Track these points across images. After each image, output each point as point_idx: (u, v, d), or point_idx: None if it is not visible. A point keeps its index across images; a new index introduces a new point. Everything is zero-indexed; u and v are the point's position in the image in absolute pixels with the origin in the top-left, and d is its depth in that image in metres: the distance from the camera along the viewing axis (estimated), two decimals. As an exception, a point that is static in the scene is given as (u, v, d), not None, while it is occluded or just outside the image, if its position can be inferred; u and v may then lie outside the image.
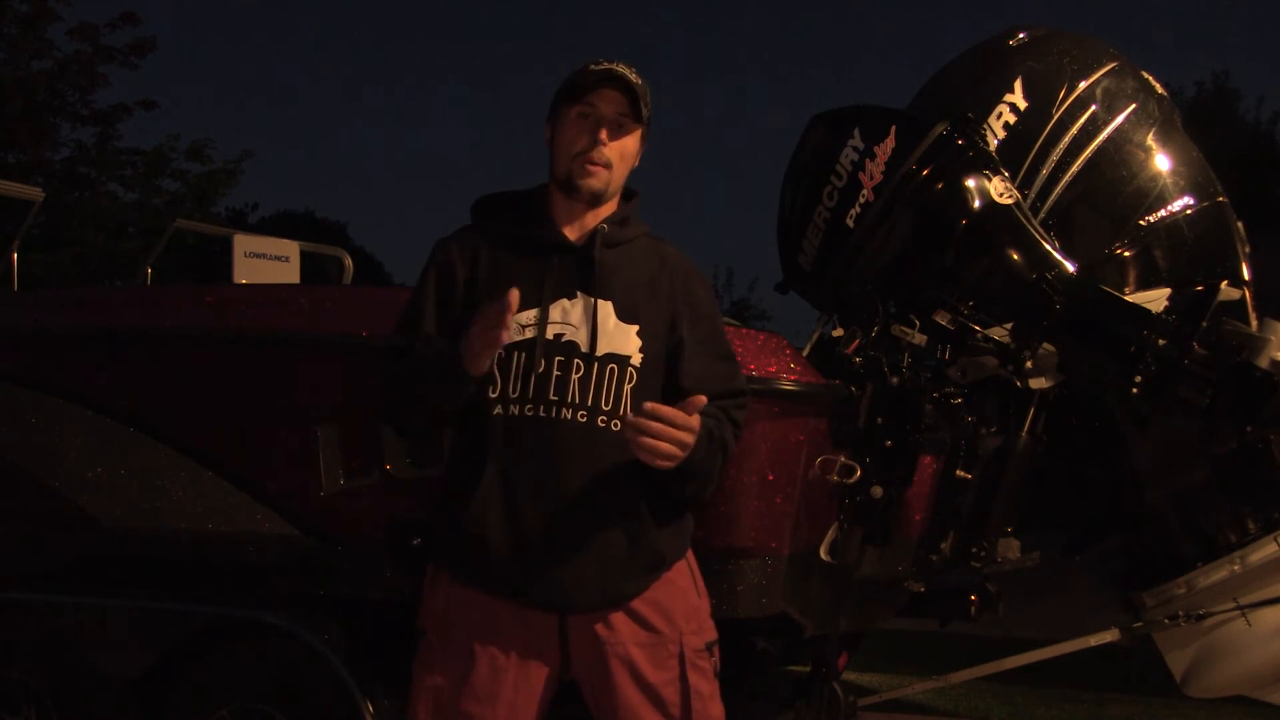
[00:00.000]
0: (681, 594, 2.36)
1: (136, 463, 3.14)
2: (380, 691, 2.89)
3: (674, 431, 2.12)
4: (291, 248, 5.72)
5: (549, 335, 2.26)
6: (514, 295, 2.08)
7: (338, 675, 2.90)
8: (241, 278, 5.33)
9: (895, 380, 2.96)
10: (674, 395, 2.27)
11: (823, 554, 2.96)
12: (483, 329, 2.11)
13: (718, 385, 2.37)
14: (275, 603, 3.03)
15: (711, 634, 2.40)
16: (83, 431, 3.18)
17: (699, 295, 2.43)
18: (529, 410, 2.24)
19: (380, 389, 2.42)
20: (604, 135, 2.29)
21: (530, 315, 2.26)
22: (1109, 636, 3.60)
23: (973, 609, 3.59)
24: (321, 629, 2.96)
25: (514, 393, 2.24)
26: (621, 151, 2.33)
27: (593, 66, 2.31)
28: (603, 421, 2.25)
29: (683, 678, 2.30)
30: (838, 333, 3.42)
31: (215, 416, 3.11)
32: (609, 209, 2.38)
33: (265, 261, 5.51)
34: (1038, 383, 3.28)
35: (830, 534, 2.96)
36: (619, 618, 2.29)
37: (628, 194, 2.44)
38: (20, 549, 3.37)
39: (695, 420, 2.15)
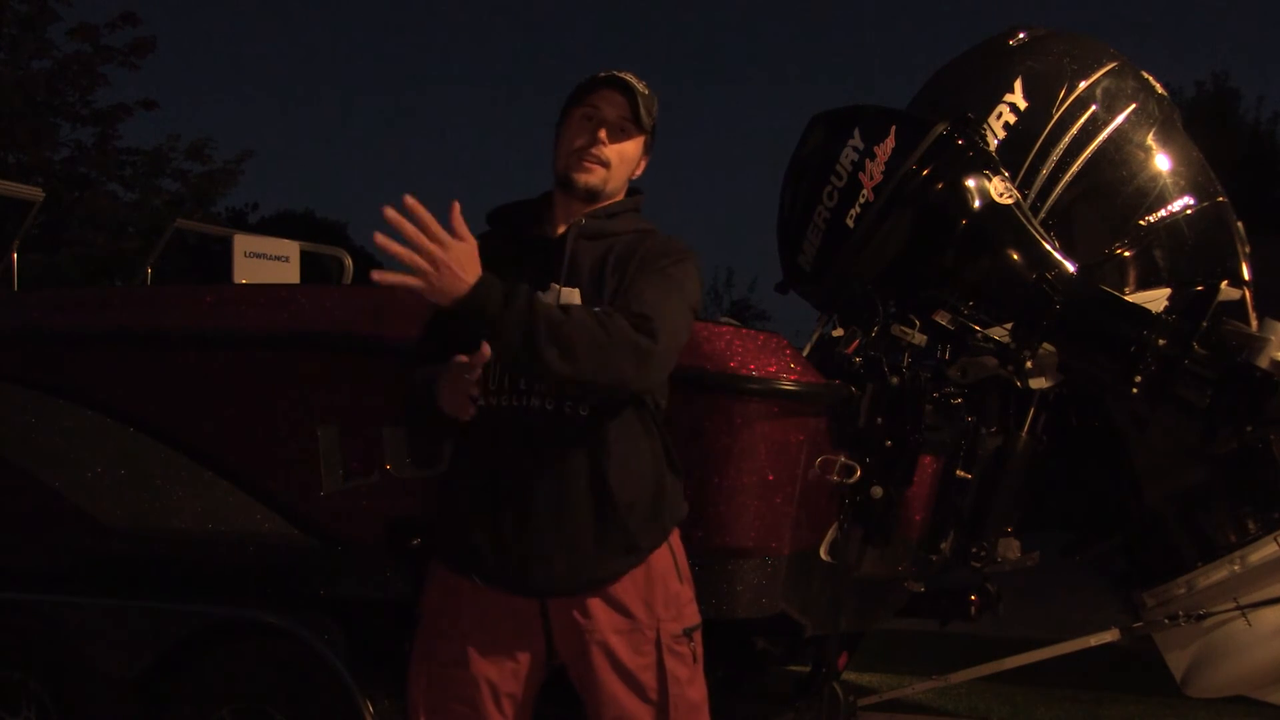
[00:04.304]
0: (661, 580, 2.38)
1: (136, 463, 3.14)
2: (380, 691, 2.89)
3: (421, 237, 1.97)
4: (291, 248, 5.72)
5: None
6: (485, 350, 2.05)
7: (338, 675, 2.91)
8: (241, 278, 5.33)
9: (895, 380, 2.96)
10: None
11: (823, 554, 2.96)
12: (452, 387, 2.13)
13: (630, 303, 2.22)
14: (275, 603, 3.03)
15: (692, 620, 2.43)
16: (83, 431, 3.19)
17: (663, 263, 2.31)
18: (503, 401, 2.30)
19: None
20: (603, 135, 2.34)
21: None
22: (1109, 636, 3.60)
23: (973, 609, 3.59)
24: (321, 629, 2.96)
25: (491, 384, 2.29)
26: (621, 154, 2.36)
27: (602, 73, 2.37)
28: (569, 408, 2.28)
29: (660, 663, 2.35)
30: (838, 333, 3.42)
31: (215, 416, 3.11)
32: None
33: (265, 261, 5.51)
34: (1038, 383, 3.28)
35: (830, 534, 2.97)
36: (597, 604, 2.33)
37: (630, 193, 2.47)
38: (20, 549, 3.37)
39: (450, 241, 2.00)
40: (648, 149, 2.43)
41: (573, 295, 2.31)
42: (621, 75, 2.35)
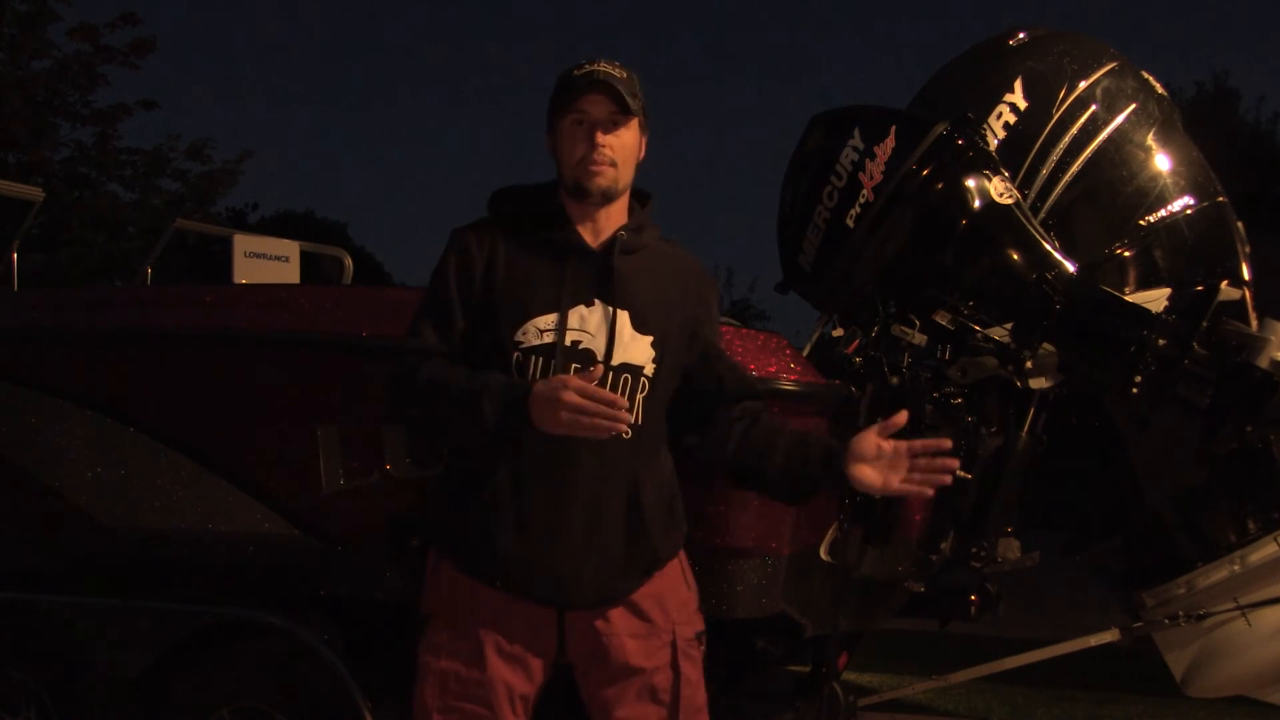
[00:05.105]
0: (674, 587, 2.42)
1: (136, 463, 3.14)
2: (380, 691, 2.89)
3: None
4: (291, 248, 5.72)
5: (567, 342, 2.29)
6: (598, 369, 2.22)
7: (338, 675, 2.90)
8: (241, 278, 5.34)
9: (895, 380, 2.96)
10: (707, 397, 2.42)
11: (823, 554, 2.96)
12: (588, 411, 2.12)
13: (751, 387, 2.51)
14: (275, 603, 3.03)
15: (700, 624, 2.47)
16: (83, 431, 3.18)
17: (713, 304, 2.52)
18: None
19: (395, 383, 2.36)
20: (600, 137, 2.32)
21: (549, 320, 2.30)
22: (1109, 636, 3.59)
23: (973, 609, 3.58)
24: (321, 629, 2.96)
25: None
26: (623, 146, 2.35)
27: (576, 72, 2.34)
28: None
29: (674, 665, 2.37)
30: (838, 333, 3.42)
31: (215, 416, 3.11)
32: (621, 207, 2.41)
33: (265, 261, 5.51)
34: (1038, 383, 3.28)
35: (830, 534, 2.97)
36: (615, 611, 2.35)
37: (642, 198, 2.47)
38: (20, 549, 3.37)
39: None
40: (644, 127, 2.41)
41: (624, 318, 2.32)
42: (599, 73, 2.31)
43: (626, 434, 2.21)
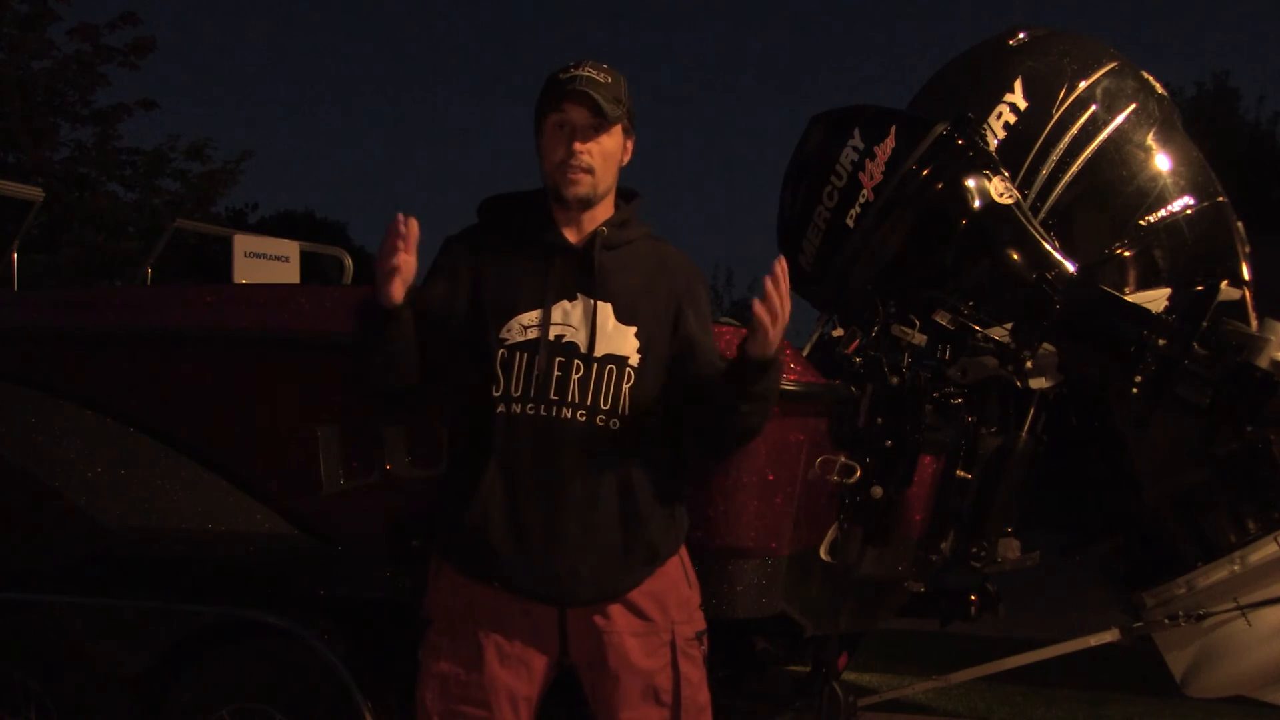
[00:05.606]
0: (674, 585, 2.42)
1: (136, 463, 3.14)
2: (380, 691, 2.89)
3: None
4: (291, 248, 5.72)
5: (550, 336, 2.31)
6: (408, 223, 2.15)
7: (338, 675, 2.91)
8: (241, 278, 5.34)
9: (895, 380, 2.96)
10: (690, 390, 2.37)
11: (823, 554, 2.96)
12: (381, 258, 2.16)
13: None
14: (275, 603, 3.03)
15: (701, 624, 2.46)
16: (83, 431, 3.19)
17: (700, 296, 2.49)
18: (530, 409, 2.29)
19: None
20: (579, 145, 2.32)
21: (533, 316, 2.32)
22: (1109, 636, 3.60)
23: (973, 609, 3.59)
24: (321, 629, 2.96)
25: (516, 391, 2.29)
26: (603, 153, 2.35)
27: (561, 75, 2.35)
28: (601, 421, 2.31)
29: (674, 665, 2.37)
30: (838, 333, 3.42)
31: (215, 416, 3.11)
32: (605, 209, 2.42)
33: (265, 261, 5.51)
34: (1038, 383, 3.28)
35: (830, 534, 2.97)
36: (616, 609, 2.35)
37: (629, 195, 2.48)
38: (20, 549, 3.37)
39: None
40: (629, 131, 2.41)
41: (606, 310, 2.33)
42: (582, 79, 2.31)
43: (403, 247, 2.16)
